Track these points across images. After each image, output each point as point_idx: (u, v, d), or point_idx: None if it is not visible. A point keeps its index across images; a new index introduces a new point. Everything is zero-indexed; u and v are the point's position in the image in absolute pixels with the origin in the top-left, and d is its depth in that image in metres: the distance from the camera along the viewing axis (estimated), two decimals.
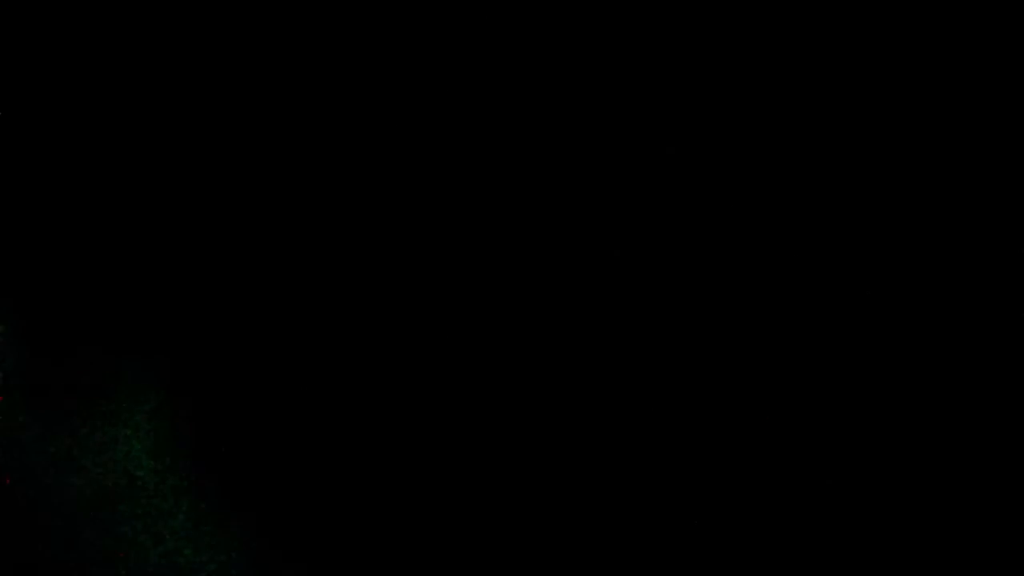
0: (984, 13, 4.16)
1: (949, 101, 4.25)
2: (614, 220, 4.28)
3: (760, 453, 4.03)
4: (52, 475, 3.95)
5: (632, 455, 4.03)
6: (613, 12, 4.32)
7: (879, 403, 4.10)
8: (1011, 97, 4.18)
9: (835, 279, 4.20)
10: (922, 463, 4.01)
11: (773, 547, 3.93)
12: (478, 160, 4.31)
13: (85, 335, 4.03)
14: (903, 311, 4.16)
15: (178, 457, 3.96)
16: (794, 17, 4.30)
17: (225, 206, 4.14)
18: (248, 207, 4.13)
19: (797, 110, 4.31)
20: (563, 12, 4.31)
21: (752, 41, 4.29)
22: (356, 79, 4.31)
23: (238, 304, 4.07)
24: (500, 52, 4.33)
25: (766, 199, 4.24)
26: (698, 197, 4.30)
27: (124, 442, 3.96)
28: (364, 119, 4.26)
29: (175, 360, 4.04)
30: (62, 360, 4.00)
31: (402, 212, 4.14)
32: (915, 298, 4.17)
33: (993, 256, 4.12)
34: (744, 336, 4.17)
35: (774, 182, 4.26)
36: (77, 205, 4.14)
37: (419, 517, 4.02)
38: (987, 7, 4.16)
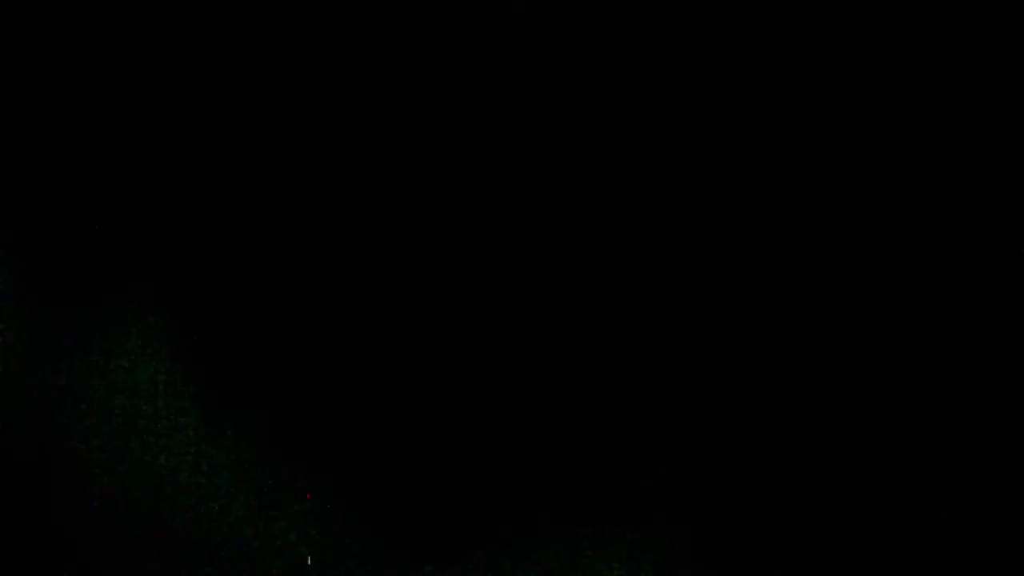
0: (984, 13, 4.16)
1: (948, 101, 4.24)
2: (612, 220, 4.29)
3: (757, 452, 4.00)
4: (65, 405, 3.96)
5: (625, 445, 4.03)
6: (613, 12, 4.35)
7: (878, 403, 4.08)
8: (1011, 97, 4.17)
9: (834, 279, 4.19)
10: (922, 462, 3.98)
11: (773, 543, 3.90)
12: (476, 159, 4.33)
13: (88, 264, 4.02)
14: (903, 310, 4.14)
15: (188, 377, 3.98)
16: (794, 17, 4.31)
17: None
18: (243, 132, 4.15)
19: (797, 110, 4.32)
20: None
21: (752, 41, 4.30)
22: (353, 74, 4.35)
23: (242, 223, 4.07)
24: (500, 51, 4.36)
25: (766, 199, 4.24)
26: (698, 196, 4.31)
27: (133, 366, 3.99)
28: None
29: (181, 285, 4.06)
30: (64, 291, 4.00)
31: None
32: (914, 298, 4.15)
33: (993, 256, 4.10)
34: (741, 336, 4.16)
35: (774, 182, 4.26)
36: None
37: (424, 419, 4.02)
38: (987, 7, 4.16)
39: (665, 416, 3.96)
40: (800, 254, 4.15)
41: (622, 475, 3.92)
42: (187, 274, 4.03)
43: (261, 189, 4.09)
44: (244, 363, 3.96)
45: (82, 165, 4.11)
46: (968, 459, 3.86)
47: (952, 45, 4.17)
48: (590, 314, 4.04)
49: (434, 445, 3.94)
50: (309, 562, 3.72)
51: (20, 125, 4.18)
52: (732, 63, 4.26)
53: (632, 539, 3.84)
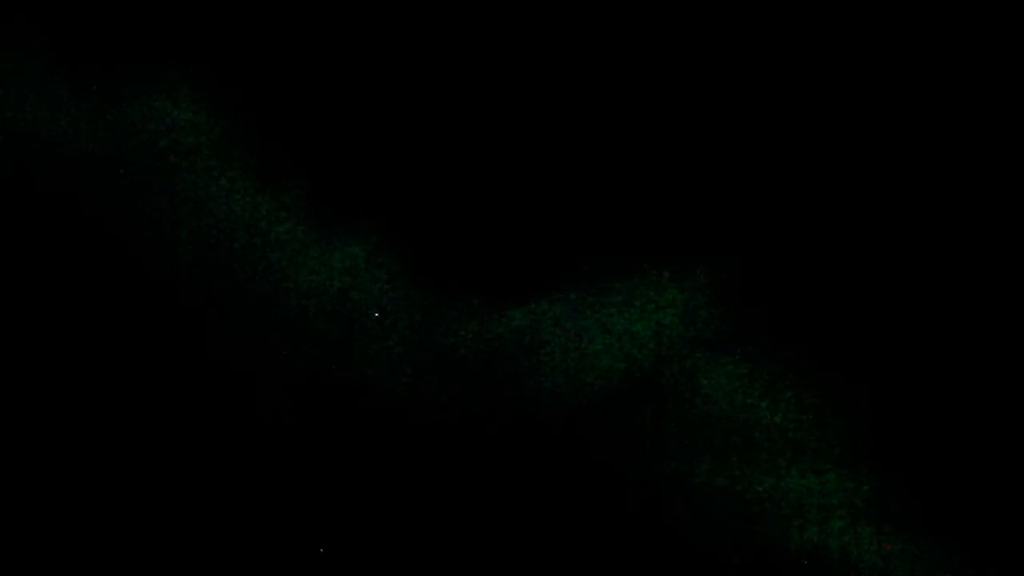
0: (984, 13, 4.01)
1: (948, 101, 4.13)
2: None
3: None
4: (111, 147, 4.15)
5: None
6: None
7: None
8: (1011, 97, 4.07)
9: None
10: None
11: None
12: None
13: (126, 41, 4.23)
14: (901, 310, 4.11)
15: (223, 121, 4.20)
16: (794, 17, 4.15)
17: None
18: None
19: (796, 110, 4.18)
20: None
21: (753, 41, 4.14)
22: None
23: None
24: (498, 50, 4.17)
25: (765, 198, 4.15)
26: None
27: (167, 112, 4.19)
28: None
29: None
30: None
31: None
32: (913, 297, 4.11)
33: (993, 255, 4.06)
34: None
35: (773, 182, 4.16)
36: None
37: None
38: (987, 7, 4.01)
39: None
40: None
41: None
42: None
43: None
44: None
45: None
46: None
47: (952, 45, 4.08)
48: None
49: (481, 185, 4.13)
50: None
51: None
52: (732, 63, 4.12)
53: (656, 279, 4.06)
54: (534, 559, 3.81)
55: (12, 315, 3.93)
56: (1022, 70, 4.09)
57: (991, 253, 4.02)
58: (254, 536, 3.80)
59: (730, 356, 4.00)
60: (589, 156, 4.20)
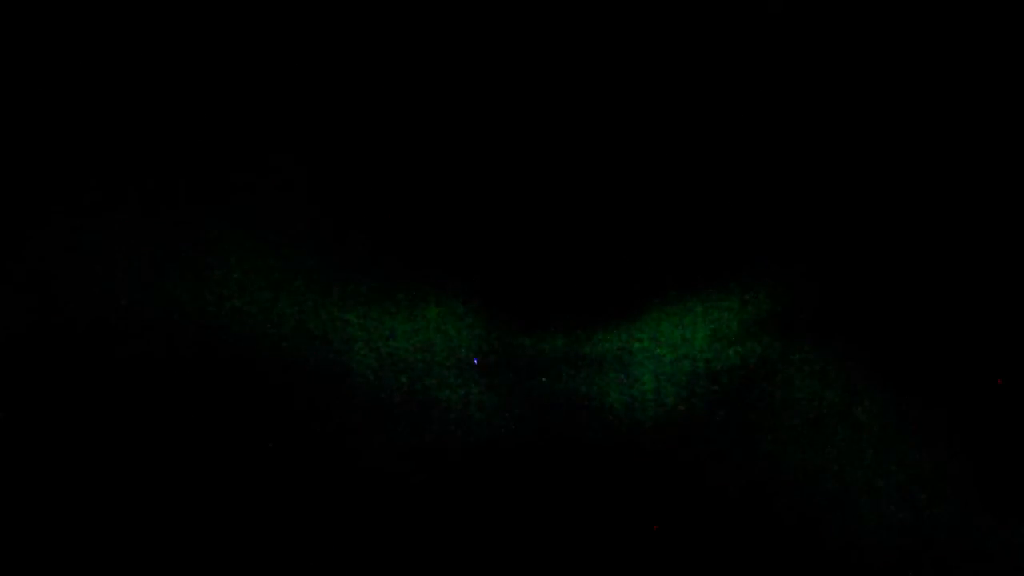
0: (984, 13, 4.13)
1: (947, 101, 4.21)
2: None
3: None
4: None
5: None
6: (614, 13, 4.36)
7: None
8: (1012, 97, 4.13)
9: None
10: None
11: None
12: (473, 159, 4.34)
13: None
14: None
15: None
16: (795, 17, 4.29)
17: None
18: None
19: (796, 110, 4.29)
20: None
21: (752, 41, 4.28)
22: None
23: None
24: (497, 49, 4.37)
25: (763, 199, 4.21)
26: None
27: None
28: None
29: None
30: None
31: None
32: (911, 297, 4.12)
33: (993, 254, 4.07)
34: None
35: (773, 182, 4.23)
36: None
37: None
38: (987, 7, 4.14)
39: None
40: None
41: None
42: None
43: None
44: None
45: None
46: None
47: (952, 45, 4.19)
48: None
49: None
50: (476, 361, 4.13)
51: None
52: (732, 63, 4.28)
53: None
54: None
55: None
56: None
57: None
58: None
59: (812, 355, 4.07)
60: (654, 186, 4.34)
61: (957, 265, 4.12)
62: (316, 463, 4.07)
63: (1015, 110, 4.13)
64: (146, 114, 4.25)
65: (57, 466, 4.00)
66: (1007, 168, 4.14)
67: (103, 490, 3.98)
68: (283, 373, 4.14)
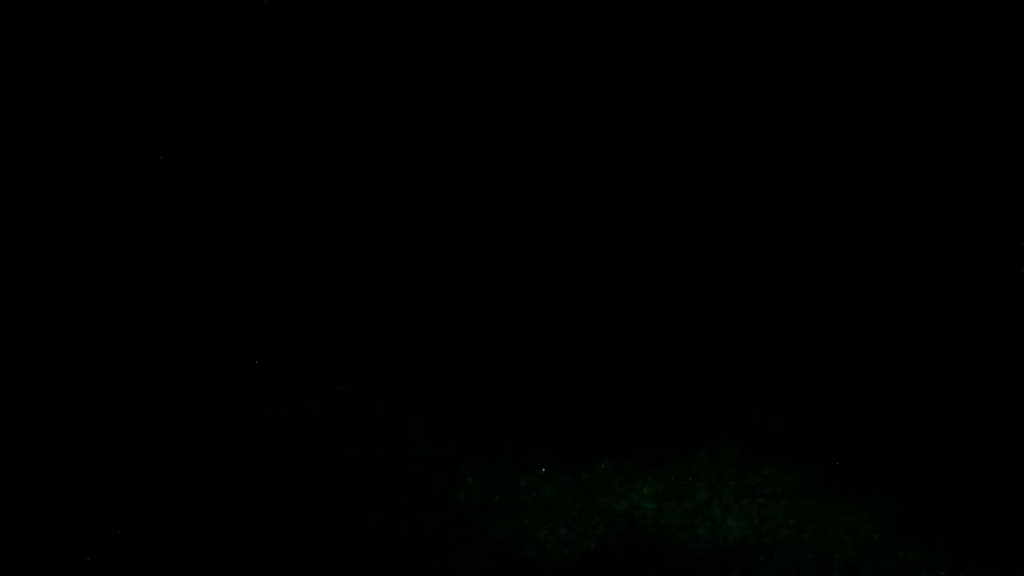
0: (984, 13, 4.14)
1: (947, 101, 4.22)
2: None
3: None
4: None
5: None
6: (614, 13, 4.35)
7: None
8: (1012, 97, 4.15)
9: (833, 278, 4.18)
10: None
11: None
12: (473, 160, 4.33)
13: None
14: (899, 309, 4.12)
15: None
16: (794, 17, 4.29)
17: None
18: None
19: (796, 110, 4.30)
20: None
21: (753, 41, 4.28)
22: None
23: None
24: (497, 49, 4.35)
25: (764, 198, 4.23)
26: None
27: None
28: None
29: None
30: None
31: None
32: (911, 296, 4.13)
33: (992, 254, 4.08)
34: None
35: (772, 181, 4.24)
36: None
37: None
38: (987, 7, 4.14)
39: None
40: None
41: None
42: None
43: None
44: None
45: None
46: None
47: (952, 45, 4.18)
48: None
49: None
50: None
51: None
52: (732, 63, 4.27)
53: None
54: None
55: None
56: None
57: None
58: None
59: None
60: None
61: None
62: None
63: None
64: None
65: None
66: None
67: None
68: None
